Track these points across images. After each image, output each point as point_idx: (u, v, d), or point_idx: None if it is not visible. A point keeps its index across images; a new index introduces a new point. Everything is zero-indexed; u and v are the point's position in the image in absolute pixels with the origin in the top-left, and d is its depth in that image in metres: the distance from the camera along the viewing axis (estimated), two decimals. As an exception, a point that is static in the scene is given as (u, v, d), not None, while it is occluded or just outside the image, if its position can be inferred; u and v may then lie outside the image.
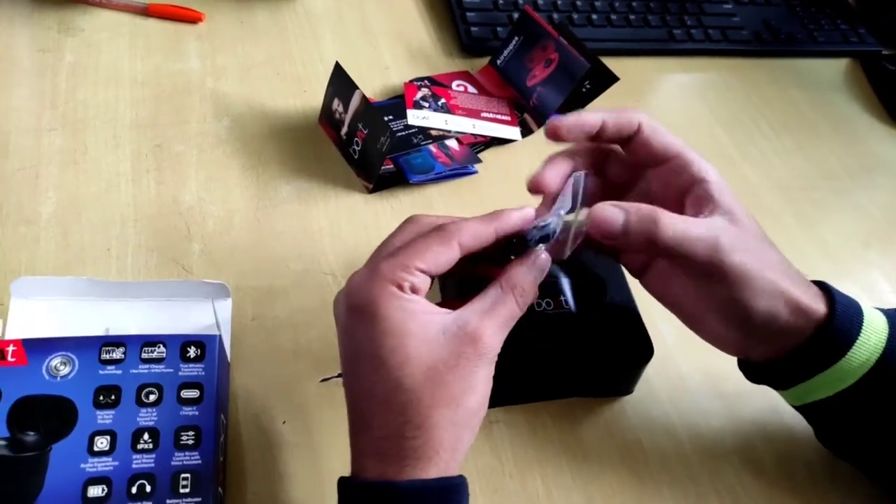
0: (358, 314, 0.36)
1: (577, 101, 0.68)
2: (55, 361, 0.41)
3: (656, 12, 0.79)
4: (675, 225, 0.38)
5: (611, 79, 0.67)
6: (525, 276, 0.38)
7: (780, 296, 0.39)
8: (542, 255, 0.39)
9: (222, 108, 0.63)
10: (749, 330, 0.41)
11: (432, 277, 0.37)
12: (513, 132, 0.66)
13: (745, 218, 0.40)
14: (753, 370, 0.44)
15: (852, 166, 0.72)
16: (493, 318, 0.37)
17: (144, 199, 0.56)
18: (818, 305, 0.40)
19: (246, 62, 0.68)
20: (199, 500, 0.38)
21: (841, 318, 0.40)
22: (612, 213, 0.38)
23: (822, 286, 0.42)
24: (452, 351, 0.35)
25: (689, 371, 0.53)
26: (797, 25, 0.82)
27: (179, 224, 0.55)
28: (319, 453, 0.46)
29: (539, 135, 0.67)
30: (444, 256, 0.37)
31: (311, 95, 0.66)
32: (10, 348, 0.40)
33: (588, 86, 0.68)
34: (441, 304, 0.38)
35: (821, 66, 0.82)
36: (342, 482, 0.36)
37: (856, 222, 0.67)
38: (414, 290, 0.36)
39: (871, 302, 0.60)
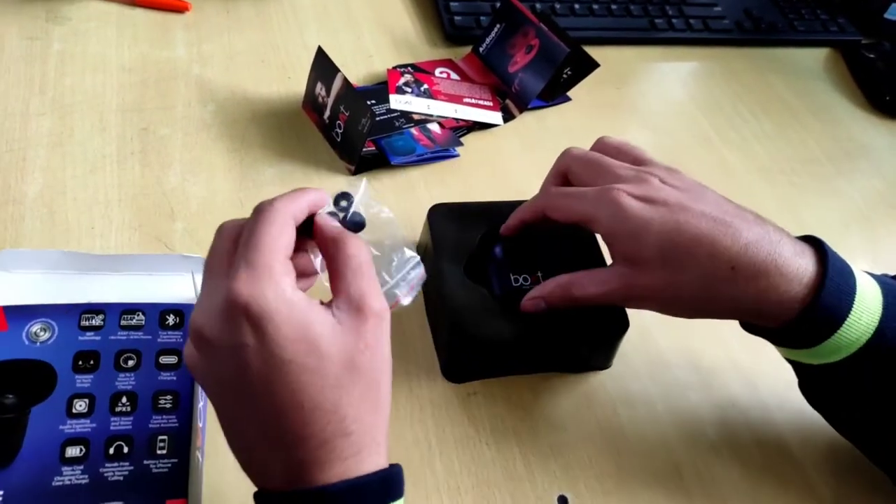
0: (252, 324, 0.31)
1: (559, 87, 0.69)
2: (35, 327, 0.41)
3: (638, 2, 0.80)
4: (584, 290, 0.44)
5: (591, 65, 0.68)
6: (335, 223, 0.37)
7: (735, 309, 0.42)
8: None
9: (207, 93, 0.64)
10: (725, 315, 0.43)
11: None
12: (495, 117, 0.67)
13: (637, 254, 0.42)
14: (747, 324, 0.44)
15: (832, 151, 0.73)
16: (361, 280, 0.34)
17: (129, 180, 0.57)
18: (805, 274, 0.39)
19: (231, 50, 0.69)
20: (175, 461, 0.39)
21: (829, 296, 0.39)
22: (534, 303, 0.46)
23: (815, 244, 0.42)
24: (355, 331, 0.33)
25: (667, 346, 0.54)
26: (778, 15, 0.83)
27: (163, 204, 0.56)
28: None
29: (520, 120, 0.68)
30: (287, 236, 0.34)
31: (294, 82, 0.67)
32: (-9, 314, 0.41)
33: (569, 72, 0.69)
34: None
35: (801, 55, 0.83)
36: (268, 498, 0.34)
37: (835, 205, 0.68)
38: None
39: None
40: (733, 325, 0.55)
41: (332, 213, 0.38)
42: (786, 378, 0.46)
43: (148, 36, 0.68)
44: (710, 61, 0.80)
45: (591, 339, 0.50)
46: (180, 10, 0.70)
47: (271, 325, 0.31)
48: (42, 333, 0.41)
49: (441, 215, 0.52)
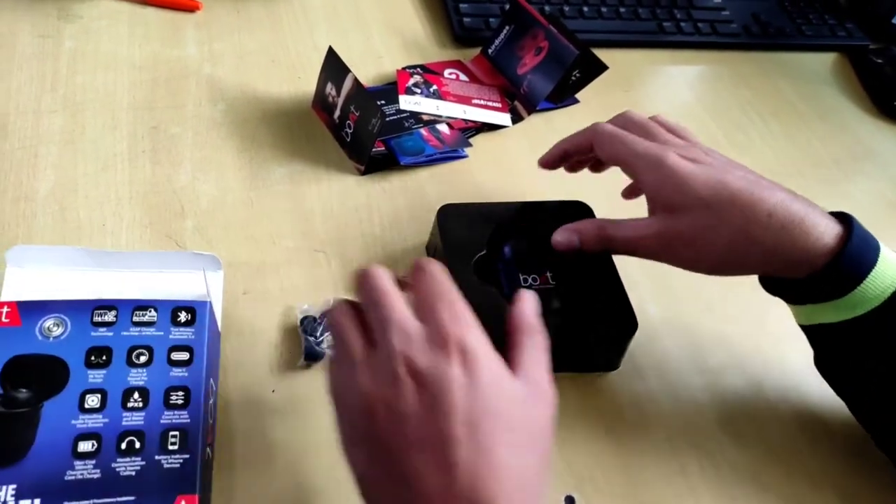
0: (463, 359, 0.33)
1: (567, 89, 0.70)
2: (48, 323, 0.41)
3: (646, 5, 0.80)
4: (620, 230, 0.47)
5: (600, 67, 0.68)
6: (534, 315, 0.39)
7: (770, 260, 0.43)
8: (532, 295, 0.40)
9: (218, 92, 0.65)
10: (752, 267, 0.45)
11: None
12: (503, 118, 0.67)
13: (681, 203, 0.44)
14: (770, 281, 0.46)
15: (839, 155, 0.73)
16: (542, 364, 0.37)
17: (140, 178, 0.57)
18: (830, 231, 0.42)
19: (241, 50, 0.69)
20: (186, 456, 0.39)
21: (854, 250, 0.41)
22: (567, 237, 0.49)
23: (844, 218, 0.44)
24: (535, 404, 0.35)
25: (674, 347, 0.54)
26: (786, 20, 0.84)
27: (173, 202, 0.56)
28: (307, 422, 0.46)
29: (528, 121, 0.68)
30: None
31: (304, 82, 0.67)
32: (5, 309, 0.41)
33: (577, 74, 0.69)
34: None
35: (809, 60, 0.83)
36: None
37: (841, 208, 0.67)
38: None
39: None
40: (740, 326, 0.55)
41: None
42: (793, 379, 0.46)
43: (159, 35, 0.69)
44: (718, 65, 0.80)
45: (600, 339, 0.50)
46: (191, 9, 0.71)
47: (478, 365, 0.33)
48: (55, 329, 0.41)
49: (450, 215, 0.53)
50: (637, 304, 0.50)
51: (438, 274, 0.37)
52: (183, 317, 0.43)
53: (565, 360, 0.51)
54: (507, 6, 0.70)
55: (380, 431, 0.32)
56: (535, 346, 0.37)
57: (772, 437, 0.50)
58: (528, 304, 0.39)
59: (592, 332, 0.49)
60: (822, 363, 0.48)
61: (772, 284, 0.46)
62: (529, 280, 0.50)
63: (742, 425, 0.50)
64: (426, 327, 0.34)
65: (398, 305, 0.35)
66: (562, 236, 0.49)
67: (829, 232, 0.42)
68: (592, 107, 0.71)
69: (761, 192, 0.43)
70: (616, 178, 0.53)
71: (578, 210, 0.54)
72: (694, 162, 0.45)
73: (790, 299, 0.46)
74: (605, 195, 0.56)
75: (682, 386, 0.52)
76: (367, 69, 0.70)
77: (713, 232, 0.43)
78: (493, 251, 0.51)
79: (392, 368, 0.33)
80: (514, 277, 0.50)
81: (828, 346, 0.46)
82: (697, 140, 0.49)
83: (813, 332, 0.46)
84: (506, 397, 0.34)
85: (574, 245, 0.48)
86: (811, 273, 0.42)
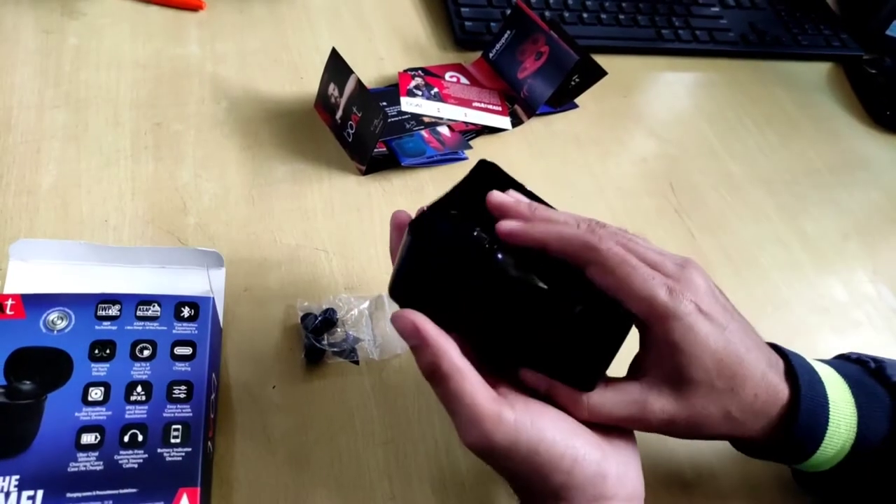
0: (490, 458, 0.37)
1: (567, 94, 0.70)
2: (52, 316, 0.42)
3: (645, 12, 0.81)
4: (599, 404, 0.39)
5: (599, 73, 0.69)
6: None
7: (763, 377, 0.39)
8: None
9: (221, 91, 0.65)
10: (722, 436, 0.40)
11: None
12: (503, 122, 0.68)
13: (692, 378, 0.38)
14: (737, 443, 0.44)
15: (833, 163, 0.74)
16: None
17: (142, 175, 0.57)
18: (783, 387, 0.39)
19: (244, 49, 0.69)
20: (189, 450, 0.39)
21: (805, 415, 0.39)
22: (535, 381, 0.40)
23: (780, 354, 0.41)
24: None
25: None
26: (782, 29, 0.85)
27: (176, 199, 0.56)
28: (307, 417, 0.47)
29: (528, 125, 0.69)
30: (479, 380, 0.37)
31: (307, 82, 0.67)
32: (9, 302, 0.41)
33: (577, 80, 0.70)
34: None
35: (804, 69, 0.84)
36: None
37: (835, 215, 0.69)
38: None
39: (850, 292, 0.63)
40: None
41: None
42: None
43: (162, 33, 0.69)
44: (714, 72, 0.81)
45: (592, 340, 0.39)
46: (194, 8, 0.71)
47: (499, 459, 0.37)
48: (59, 322, 0.42)
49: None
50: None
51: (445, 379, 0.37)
52: (186, 312, 0.44)
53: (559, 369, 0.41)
54: (509, 11, 0.71)
55: None
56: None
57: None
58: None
59: (584, 334, 0.39)
60: (799, 482, 0.48)
61: (741, 445, 0.43)
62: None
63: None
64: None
65: None
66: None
67: (780, 400, 0.39)
68: (591, 112, 0.72)
69: (753, 362, 0.38)
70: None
71: (486, 171, 0.45)
72: (709, 319, 0.38)
73: (759, 457, 0.43)
74: (604, 193, 0.56)
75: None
76: (369, 71, 0.71)
77: (707, 418, 0.38)
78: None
79: None
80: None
81: (803, 481, 0.47)
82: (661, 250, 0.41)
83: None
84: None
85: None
86: (769, 438, 0.40)
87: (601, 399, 0.38)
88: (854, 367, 0.43)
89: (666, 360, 0.38)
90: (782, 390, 0.39)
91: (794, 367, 0.40)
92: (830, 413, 0.39)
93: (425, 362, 0.36)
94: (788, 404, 0.39)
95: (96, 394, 0.40)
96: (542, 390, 0.39)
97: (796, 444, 0.40)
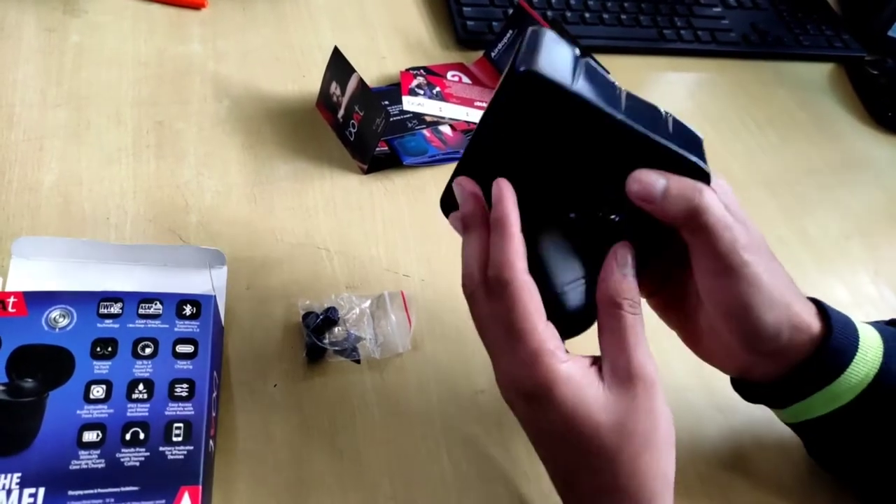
0: (535, 401, 0.36)
1: (569, 93, 0.70)
2: (54, 313, 0.42)
3: (647, 13, 0.81)
4: (713, 202, 0.37)
5: (601, 72, 0.69)
6: (620, 282, 0.37)
7: (786, 309, 0.39)
8: (619, 249, 0.38)
9: (222, 89, 0.65)
10: (754, 344, 0.40)
11: None
12: (505, 121, 0.68)
13: (755, 231, 0.39)
14: (749, 390, 0.44)
15: (835, 163, 0.74)
16: (631, 348, 0.36)
17: (144, 173, 0.57)
18: (816, 322, 0.40)
19: (246, 48, 0.69)
20: (191, 448, 0.39)
21: (838, 336, 0.40)
22: (653, 177, 0.36)
23: (815, 303, 0.42)
24: (626, 400, 0.36)
25: (670, 347, 0.54)
26: (784, 30, 0.85)
27: (177, 197, 0.56)
28: (309, 417, 0.47)
29: (531, 124, 0.69)
30: (536, 300, 0.36)
31: (309, 81, 0.67)
32: (11, 299, 0.41)
33: (579, 79, 0.69)
34: None
35: (806, 69, 0.84)
36: None
37: (837, 216, 0.69)
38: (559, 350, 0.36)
39: (851, 292, 0.63)
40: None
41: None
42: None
43: (164, 31, 0.69)
44: (716, 72, 0.81)
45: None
46: (196, 6, 0.71)
47: (545, 405, 0.36)
48: (61, 320, 0.42)
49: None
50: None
51: (522, 300, 0.36)
52: (188, 310, 0.44)
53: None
54: (511, 10, 0.71)
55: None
56: (619, 327, 0.37)
57: (766, 442, 0.50)
58: (610, 273, 0.38)
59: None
60: (814, 454, 0.48)
61: (751, 393, 0.44)
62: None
63: (739, 432, 0.51)
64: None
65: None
66: (648, 177, 0.37)
67: (812, 320, 0.40)
68: (593, 111, 0.72)
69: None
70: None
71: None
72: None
73: (774, 403, 0.44)
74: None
75: (677, 389, 0.53)
76: (371, 70, 0.71)
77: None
78: None
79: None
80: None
81: (817, 439, 0.46)
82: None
83: (800, 428, 0.45)
84: (587, 434, 0.36)
85: (655, 195, 0.36)
86: (795, 363, 0.41)
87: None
88: (879, 324, 0.45)
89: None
90: (814, 318, 0.41)
91: (824, 307, 0.42)
92: (860, 337, 0.41)
93: (504, 255, 0.36)
94: (822, 327, 0.41)
95: (98, 392, 0.40)
96: (660, 188, 0.36)
97: (832, 355, 0.40)
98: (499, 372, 0.38)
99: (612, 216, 0.39)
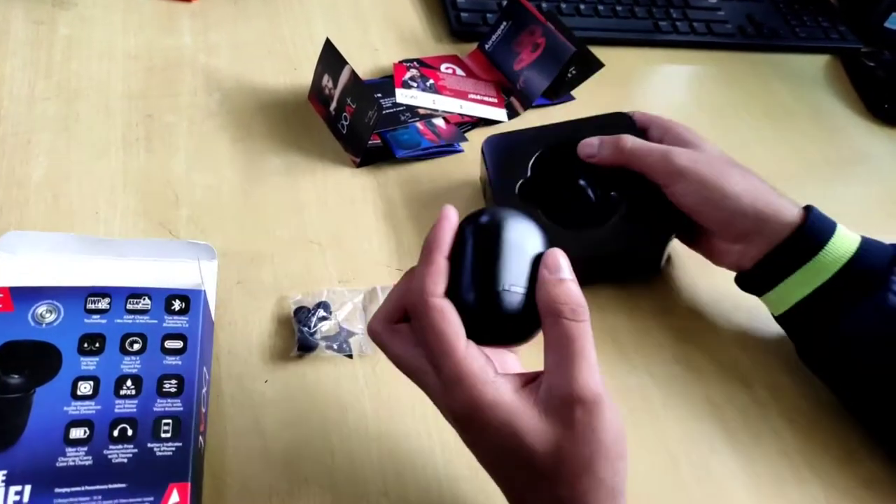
0: (468, 426, 0.36)
1: (563, 86, 0.70)
2: (41, 309, 0.41)
3: (643, 4, 0.81)
4: (633, 141, 0.52)
5: (596, 65, 0.68)
6: (555, 287, 0.35)
7: (754, 199, 0.49)
8: (549, 256, 0.36)
9: (213, 82, 0.64)
10: (729, 229, 0.50)
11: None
12: (499, 114, 0.67)
13: (710, 150, 0.52)
14: (743, 280, 0.52)
15: (831, 156, 0.73)
16: (572, 365, 0.34)
17: (134, 167, 0.57)
18: (794, 210, 0.49)
19: (238, 40, 0.69)
20: (179, 444, 0.39)
21: (815, 221, 0.48)
22: (590, 140, 0.54)
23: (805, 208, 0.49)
24: (562, 427, 0.34)
25: (665, 340, 0.54)
26: (780, 21, 0.84)
27: (167, 191, 0.56)
28: (299, 412, 0.47)
29: (524, 117, 0.68)
30: (457, 325, 0.35)
31: (301, 73, 0.67)
32: (-3, 295, 0.41)
33: (573, 72, 0.69)
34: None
35: (802, 61, 0.83)
36: None
37: (833, 210, 0.68)
38: (499, 369, 0.35)
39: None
40: (734, 327, 0.55)
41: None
42: (782, 377, 0.46)
43: (154, 23, 0.68)
44: (712, 65, 0.80)
45: (644, 237, 0.54)
46: (187, -2, 0.71)
47: (476, 427, 0.35)
48: (48, 315, 0.41)
49: (495, 146, 0.57)
50: None
51: (435, 324, 0.35)
52: (177, 305, 0.43)
53: (608, 269, 0.55)
54: (505, 2, 0.70)
55: None
56: (560, 337, 0.34)
57: (761, 433, 0.50)
58: (543, 280, 0.36)
59: (636, 233, 0.53)
60: (803, 351, 0.52)
61: (745, 281, 0.51)
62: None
63: (732, 421, 0.50)
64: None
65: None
66: (587, 141, 0.54)
67: (791, 209, 0.49)
68: (587, 104, 0.71)
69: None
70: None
71: (619, 120, 0.57)
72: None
73: (762, 287, 0.50)
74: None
75: (674, 379, 0.52)
76: (364, 62, 0.70)
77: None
78: (538, 173, 0.55)
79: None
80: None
81: (802, 329, 0.50)
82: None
83: (789, 320, 0.50)
84: (522, 459, 0.34)
85: (592, 151, 0.54)
86: (783, 239, 0.48)
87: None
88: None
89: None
90: (794, 208, 0.50)
91: (809, 206, 0.50)
92: (838, 226, 0.49)
93: (421, 281, 0.35)
94: (802, 215, 0.49)
95: (85, 388, 0.40)
96: (596, 143, 0.54)
97: (809, 235, 0.47)
98: (430, 396, 0.38)
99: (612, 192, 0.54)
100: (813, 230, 0.47)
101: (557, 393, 0.34)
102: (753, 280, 0.51)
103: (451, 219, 0.37)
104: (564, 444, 0.34)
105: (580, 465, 0.34)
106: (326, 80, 0.62)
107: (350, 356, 0.49)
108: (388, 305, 0.38)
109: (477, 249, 0.36)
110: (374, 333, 0.39)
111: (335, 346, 0.49)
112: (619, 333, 0.53)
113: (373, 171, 0.61)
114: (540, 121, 0.68)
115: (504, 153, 0.56)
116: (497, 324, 0.36)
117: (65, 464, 0.37)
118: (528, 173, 0.55)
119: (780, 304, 0.50)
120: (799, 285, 0.48)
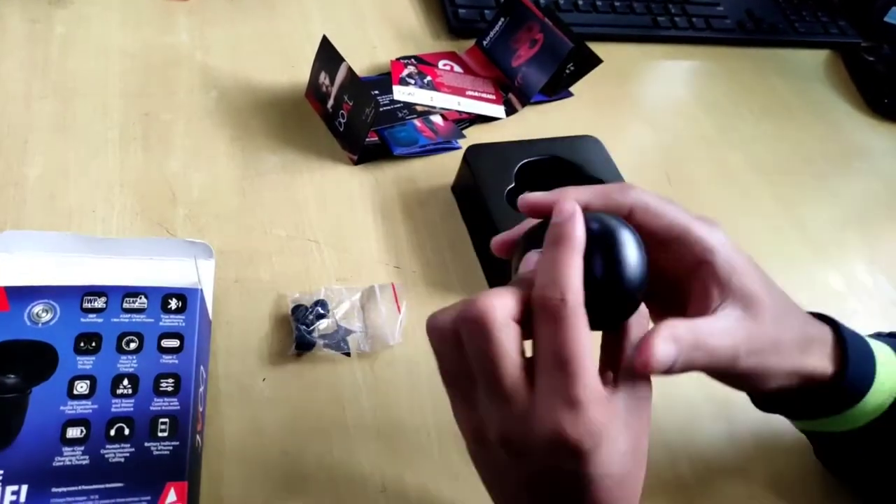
0: (560, 458, 0.30)
1: (562, 82, 0.70)
2: (37, 308, 0.41)
3: (641, 0, 0.80)
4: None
5: (594, 61, 0.68)
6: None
7: (794, 374, 0.37)
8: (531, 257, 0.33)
9: (210, 80, 0.64)
10: (762, 393, 0.40)
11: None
12: (497, 110, 0.67)
13: (758, 293, 0.35)
14: (764, 401, 0.42)
15: (830, 152, 0.73)
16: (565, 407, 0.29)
17: (131, 165, 0.57)
18: (828, 364, 0.38)
19: (235, 38, 0.68)
20: (176, 443, 0.39)
21: (853, 371, 0.38)
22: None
23: (829, 322, 0.40)
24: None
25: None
26: (780, 16, 0.84)
27: (165, 190, 0.56)
28: (296, 410, 0.46)
29: (522, 114, 0.68)
30: (589, 344, 0.30)
31: (298, 71, 0.66)
32: (-7, 294, 0.41)
33: (572, 68, 0.69)
34: None
35: (802, 56, 0.83)
36: None
37: (833, 205, 0.69)
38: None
39: (847, 282, 0.62)
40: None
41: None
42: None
43: (150, 21, 0.68)
44: (711, 60, 0.80)
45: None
46: (184, -4, 0.70)
47: (570, 464, 0.30)
48: (44, 315, 0.41)
49: (479, 155, 0.58)
50: None
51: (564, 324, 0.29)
52: (174, 304, 0.43)
53: None
54: (503, -2, 0.70)
55: None
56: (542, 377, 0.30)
57: (766, 443, 0.50)
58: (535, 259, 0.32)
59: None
60: (822, 457, 0.48)
61: (765, 404, 0.42)
62: None
63: (739, 431, 0.50)
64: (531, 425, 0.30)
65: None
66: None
67: (825, 346, 0.38)
68: (586, 100, 0.71)
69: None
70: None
71: (589, 143, 0.60)
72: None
73: (788, 415, 0.43)
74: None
75: (677, 389, 0.52)
76: (361, 59, 0.70)
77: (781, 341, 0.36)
78: (522, 184, 0.56)
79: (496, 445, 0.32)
80: None
81: (827, 447, 0.46)
82: None
83: (811, 435, 0.46)
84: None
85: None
86: (812, 390, 0.39)
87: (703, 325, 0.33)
88: (888, 338, 0.43)
89: (737, 283, 0.34)
90: (821, 373, 0.38)
91: (840, 330, 0.39)
92: (877, 364, 0.39)
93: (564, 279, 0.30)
94: (836, 342, 0.38)
95: (82, 387, 0.39)
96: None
97: (847, 388, 0.38)
98: (503, 415, 0.31)
99: None
100: (850, 385, 0.39)
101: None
102: (775, 406, 0.42)
103: (580, 215, 0.32)
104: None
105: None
106: (323, 78, 0.61)
107: (348, 354, 0.49)
108: (514, 297, 0.31)
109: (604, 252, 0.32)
110: (496, 325, 0.30)
111: (333, 345, 0.49)
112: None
113: (370, 169, 0.61)
114: (538, 117, 0.69)
115: (489, 162, 0.57)
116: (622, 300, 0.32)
117: (61, 463, 0.37)
118: (513, 182, 0.56)
119: (805, 426, 0.44)
120: (830, 425, 0.41)
